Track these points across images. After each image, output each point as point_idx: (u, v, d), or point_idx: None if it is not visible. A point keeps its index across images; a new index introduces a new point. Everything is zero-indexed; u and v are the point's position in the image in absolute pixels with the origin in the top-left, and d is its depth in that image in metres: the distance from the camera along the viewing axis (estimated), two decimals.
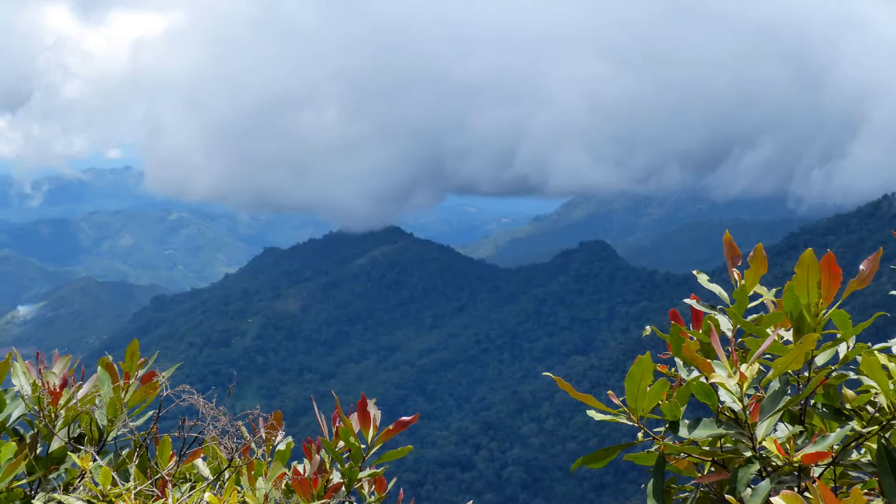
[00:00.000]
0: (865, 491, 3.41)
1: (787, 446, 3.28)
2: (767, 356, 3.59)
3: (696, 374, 3.61)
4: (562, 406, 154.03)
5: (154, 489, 3.75)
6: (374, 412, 4.12)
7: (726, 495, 3.21)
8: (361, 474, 4.11)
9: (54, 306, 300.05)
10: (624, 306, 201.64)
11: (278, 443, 4.26)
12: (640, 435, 3.54)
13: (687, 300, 3.85)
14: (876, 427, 3.39)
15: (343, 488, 4.11)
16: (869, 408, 3.56)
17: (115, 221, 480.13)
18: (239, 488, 3.93)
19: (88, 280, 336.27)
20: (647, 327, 3.98)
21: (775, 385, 3.41)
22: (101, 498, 3.57)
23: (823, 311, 3.45)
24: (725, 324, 3.70)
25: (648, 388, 3.45)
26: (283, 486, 4.10)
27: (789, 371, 3.47)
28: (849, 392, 3.66)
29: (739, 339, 3.68)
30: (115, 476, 3.71)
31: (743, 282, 3.70)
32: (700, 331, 3.73)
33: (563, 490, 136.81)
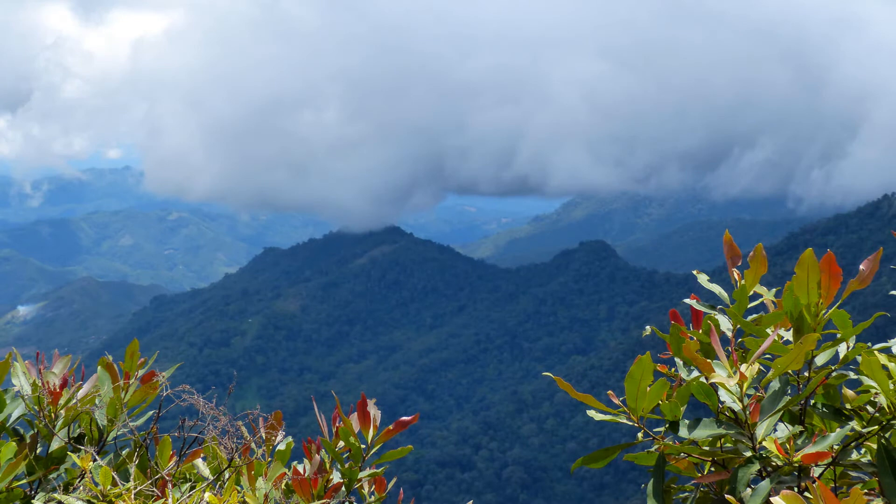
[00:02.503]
0: (865, 491, 3.41)
1: (787, 446, 3.27)
2: (767, 356, 3.59)
3: (696, 374, 3.61)
4: (562, 406, 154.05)
5: (154, 489, 3.75)
6: (374, 412, 4.12)
7: (726, 495, 3.21)
8: (361, 474, 4.11)
9: (54, 306, 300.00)
10: (624, 306, 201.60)
11: (278, 443, 4.26)
12: (640, 435, 3.54)
13: (687, 300, 3.85)
14: (876, 427, 3.39)
15: (343, 488, 4.11)
16: (869, 408, 3.56)
17: (115, 221, 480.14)
18: (239, 488, 3.93)
19: (88, 280, 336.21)
20: (647, 327, 3.97)
21: (775, 385, 3.41)
22: (101, 498, 3.57)
23: (823, 311, 3.44)
24: (725, 324, 3.70)
25: (648, 388, 3.45)
26: (283, 486, 4.10)
27: (789, 371, 3.47)
28: (849, 392, 3.66)
29: (739, 339, 3.68)
30: (115, 476, 3.71)
31: (743, 282, 3.70)
32: (700, 331, 3.73)
33: (563, 490, 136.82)
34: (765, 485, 3.20)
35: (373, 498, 4.35)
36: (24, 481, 3.85)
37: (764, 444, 3.33)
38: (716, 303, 3.82)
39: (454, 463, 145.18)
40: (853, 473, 3.56)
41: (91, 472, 3.65)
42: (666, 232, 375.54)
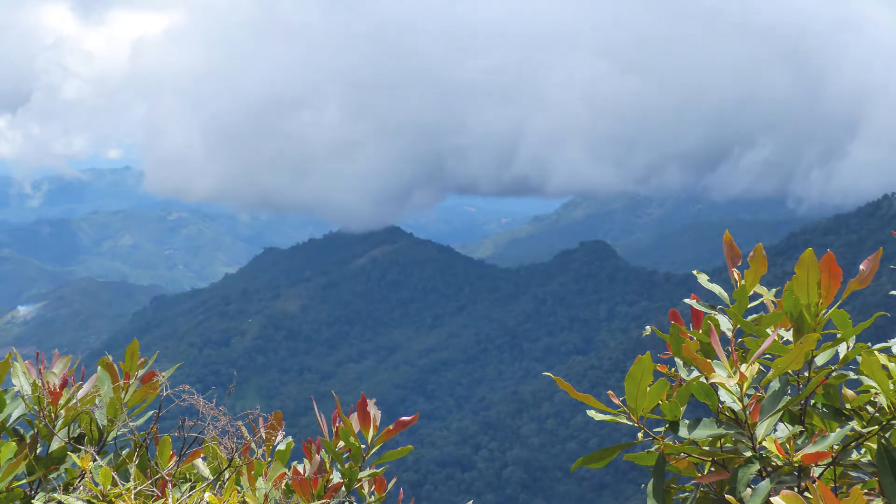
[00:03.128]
0: (865, 491, 3.41)
1: (787, 446, 3.27)
2: (767, 356, 3.59)
3: (696, 374, 3.61)
4: (562, 406, 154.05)
5: (154, 489, 3.75)
6: (374, 412, 4.12)
7: (726, 495, 3.21)
8: (361, 474, 4.11)
9: (54, 306, 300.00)
10: (624, 306, 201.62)
11: (278, 443, 4.26)
12: (640, 435, 3.54)
13: (687, 300, 3.85)
14: (876, 427, 3.39)
15: (343, 488, 4.11)
16: (869, 408, 3.56)
17: (115, 221, 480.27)
18: (239, 488, 3.93)
19: (88, 280, 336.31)
20: (647, 327, 3.97)
21: (775, 385, 3.41)
22: (101, 498, 3.57)
23: (823, 311, 3.44)
24: (725, 324, 3.70)
25: (648, 388, 3.45)
26: (283, 486, 4.10)
27: (789, 371, 3.47)
28: (849, 392, 3.66)
29: (739, 339, 3.68)
30: (115, 476, 3.71)
31: (743, 282, 3.70)
32: (700, 331, 3.72)
33: (563, 490, 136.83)
34: (765, 485, 3.20)
35: (373, 498, 4.35)
36: (24, 481, 3.85)
37: (764, 444, 3.33)
38: (716, 303, 3.82)
39: (454, 463, 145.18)
40: (853, 473, 3.56)
41: (91, 472, 3.65)
42: (666, 232, 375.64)
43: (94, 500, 3.57)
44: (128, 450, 4.09)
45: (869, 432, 3.40)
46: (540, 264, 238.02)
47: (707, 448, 3.60)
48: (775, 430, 3.50)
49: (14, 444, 3.74)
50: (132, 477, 3.71)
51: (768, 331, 3.60)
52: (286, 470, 4.15)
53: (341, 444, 4.13)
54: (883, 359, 3.32)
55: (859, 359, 3.37)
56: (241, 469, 3.98)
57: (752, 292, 3.72)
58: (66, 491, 3.88)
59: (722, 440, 3.64)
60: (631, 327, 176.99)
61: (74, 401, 4.02)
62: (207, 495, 3.65)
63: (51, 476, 3.95)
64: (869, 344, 3.64)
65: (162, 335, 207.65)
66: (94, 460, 3.75)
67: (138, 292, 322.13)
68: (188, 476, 4.16)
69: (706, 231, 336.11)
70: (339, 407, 4.14)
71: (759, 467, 3.29)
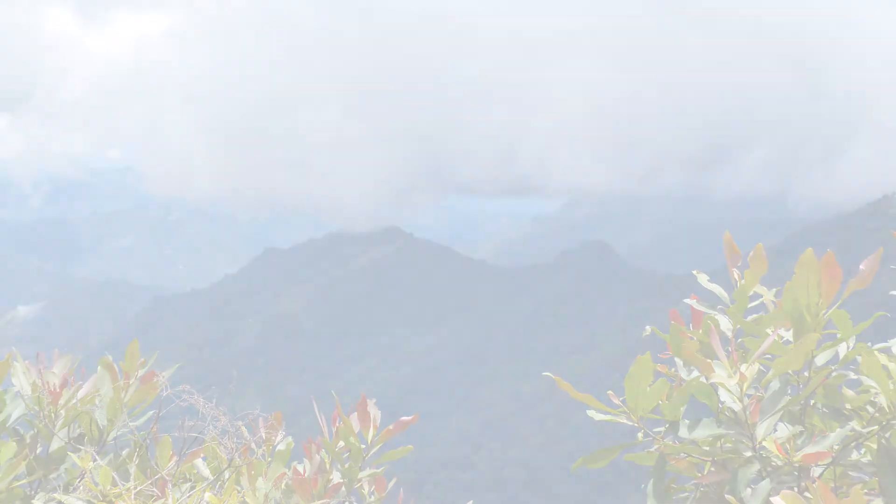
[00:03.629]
0: (865, 491, 3.41)
1: (787, 446, 3.27)
2: (767, 356, 3.59)
3: (696, 374, 3.61)
4: (562, 406, 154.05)
5: (154, 489, 3.75)
6: (374, 412, 4.13)
7: (726, 495, 3.21)
8: (361, 474, 4.12)
9: (54, 306, 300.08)
10: (624, 306, 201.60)
11: (278, 443, 4.26)
12: (640, 435, 3.54)
13: (687, 300, 3.85)
14: (876, 427, 3.38)
15: (343, 488, 4.11)
16: (869, 408, 3.56)
17: (115, 221, 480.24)
18: (239, 488, 3.93)
19: (88, 280, 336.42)
20: (647, 327, 3.97)
21: (775, 385, 3.41)
22: (101, 498, 3.57)
23: (823, 311, 3.44)
24: (725, 324, 3.70)
25: (648, 388, 3.45)
26: (283, 486, 4.11)
27: (789, 371, 3.47)
28: (849, 392, 3.66)
29: (739, 339, 3.68)
30: (115, 476, 3.71)
31: (743, 282, 3.70)
32: (700, 331, 3.73)
33: (563, 490, 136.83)
34: (765, 485, 3.20)
35: (373, 498, 4.35)
36: (24, 481, 3.86)
37: (764, 444, 3.33)
38: (716, 303, 3.82)
39: (454, 463, 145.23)
40: (853, 473, 3.56)
41: (91, 472, 3.65)
42: (666, 232, 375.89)
43: (94, 500, 3.57)
44: (128, 450, 4.09)
45: (869, 432, 3.40)
46: (540, 264, 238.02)
47: (707, 448, 3.59)
48: (775, 430, 3.49)
49: (14, 444, 3.74)
50: (132, 477, 3.71)
51: (768, 331, 3.59)
52: (286, 470, 4.15)
53: (341, 444, 4.14)
54: (883, 359, 3.32)
55: (859, 359, 3.37)
56: (241, 469, 3.98)
57: (752, 292, 3.72)
58: (66, 491, 3.89)
59: (722, 440, 3.64)
60: (631, 327, 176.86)
61: (74, 401, 4.03)
62: (207, 495, 3.66)
63: (51, 476, 3.95)
64: (869, 344, 3.64)
65: (162, 335, 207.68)
66: (94, 460, 3.75)
67: (138, 292, 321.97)
68: (188, 476, 4.16)
69: (706, 231, 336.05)
70: (339, 407, 4.14)
71: (759, 467, 3.29)
